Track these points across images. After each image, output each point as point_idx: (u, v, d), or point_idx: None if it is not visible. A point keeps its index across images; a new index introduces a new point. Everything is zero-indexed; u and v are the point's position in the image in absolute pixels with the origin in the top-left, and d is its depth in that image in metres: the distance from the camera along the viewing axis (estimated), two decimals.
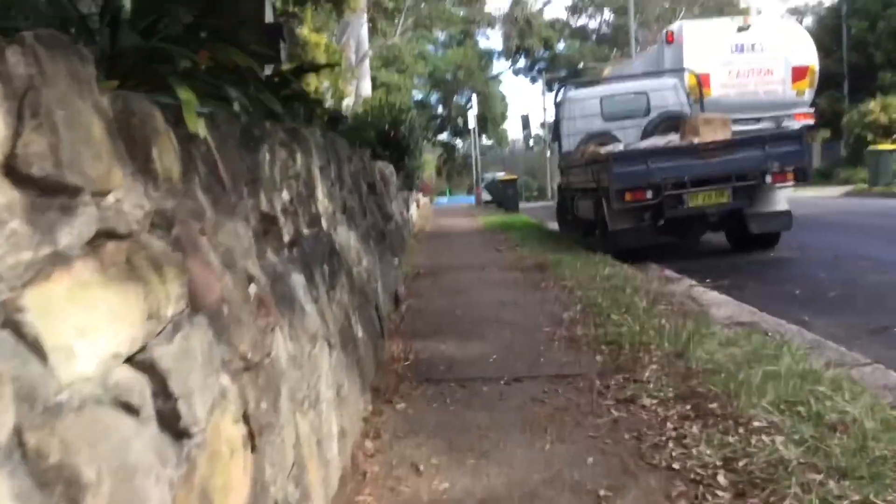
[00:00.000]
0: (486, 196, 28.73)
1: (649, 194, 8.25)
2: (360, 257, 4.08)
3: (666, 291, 6.25)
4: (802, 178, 8.28)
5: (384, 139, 11.59)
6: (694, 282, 7.08)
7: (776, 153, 8.17)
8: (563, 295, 5.92)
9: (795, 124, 13.95)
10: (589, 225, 10.59)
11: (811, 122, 14.96)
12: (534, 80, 60.98)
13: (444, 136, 53.27)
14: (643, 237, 8.57)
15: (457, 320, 5.03)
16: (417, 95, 46.24)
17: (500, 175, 34.42)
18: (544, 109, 67.01)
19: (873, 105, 24.17)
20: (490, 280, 6.94)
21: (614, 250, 8.45)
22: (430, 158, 42.74)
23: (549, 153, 17.92)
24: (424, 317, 5.21)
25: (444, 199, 37.73)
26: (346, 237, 3.77)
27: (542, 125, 24.97)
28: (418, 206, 22.01)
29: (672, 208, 8.32)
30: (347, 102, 14.18)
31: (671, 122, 10.65)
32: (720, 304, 6.00)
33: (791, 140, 8.34)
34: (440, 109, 50.01)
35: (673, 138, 9.58)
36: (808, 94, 15.09)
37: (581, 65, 50.55)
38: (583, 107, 11.48)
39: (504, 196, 23.56)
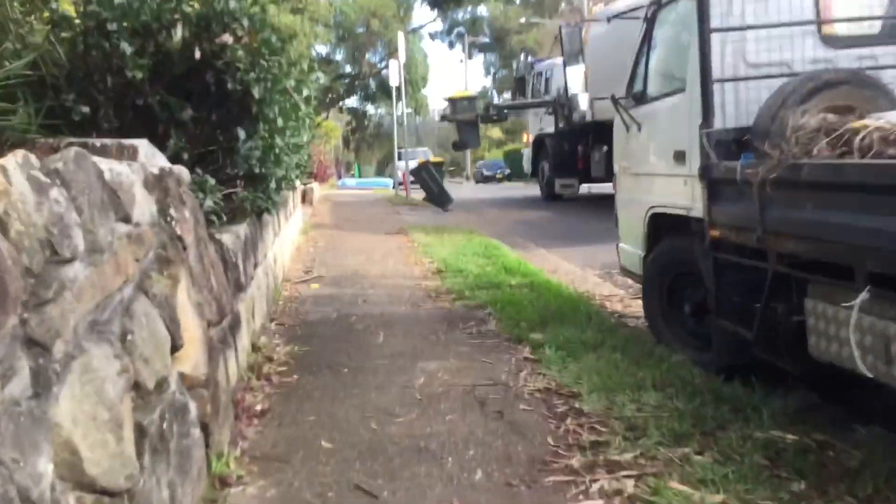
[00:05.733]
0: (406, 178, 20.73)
1: None
2: None
3: None
4: None
5: (163, 67, 3.85)
6: None
7: None
8: None
9: None
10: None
11: None
12: (451, 45, 53.02)
13: (352, 101, 44.70)
14: None
15: None
16: (321, 49, 37.70)
17: (426, 155, 26.61)
18: (465, 80, 59.14)
19: None
20: None
21: None
22: (333, 126, 34.43)
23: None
24: None
25: (351, 181, 29.50)
26: None
27: (471, 100, 17.21)
28: (309, 201, 14.01)
29: None
30: None
31: None
32: None
33: None
34: (348, 69, 41.40)
35: None
36: None
37: (523, 19, 43.24)
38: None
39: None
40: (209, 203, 3.66)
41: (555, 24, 45.75)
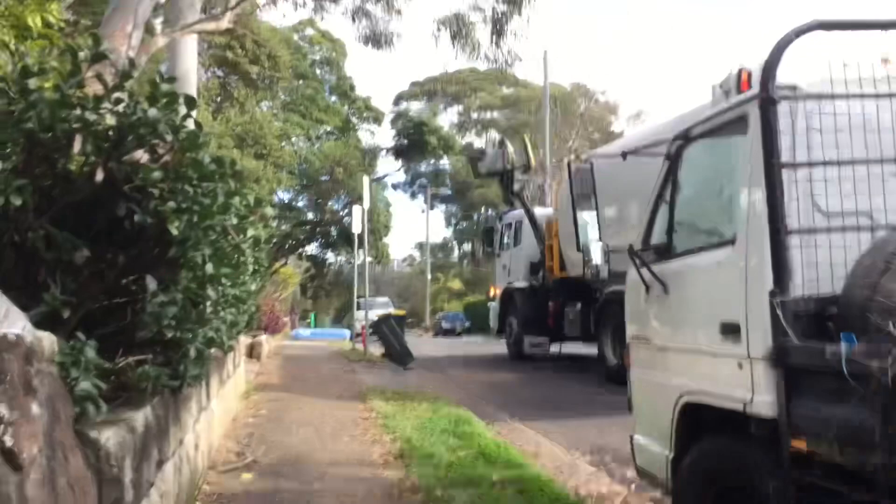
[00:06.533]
0: (366, 331, 19.49)
1: None
2: None
3: None
4: None
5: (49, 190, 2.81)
6: None
7: None
8: None
9: None
10: None
11: None
12: (414, 195, 53.97)
13: (312, 248, 44.06)
14: None
15: None
16: (284, 196, 37.48)
17: (387, 305, 25.59)
18: (427, 229, 59.82)
19: None
20: None
21: None
22: (292, 272, 33.45)
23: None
24: None
25: (305, 332, 28.01)
26: None
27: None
28: (256, 356, 12.67)
29: None
30: None
31: None
32: None
33: None
34: (310, 215, 41.13)
35: None
36: None
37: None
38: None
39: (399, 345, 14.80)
40: (85, 385, 2.50)
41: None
